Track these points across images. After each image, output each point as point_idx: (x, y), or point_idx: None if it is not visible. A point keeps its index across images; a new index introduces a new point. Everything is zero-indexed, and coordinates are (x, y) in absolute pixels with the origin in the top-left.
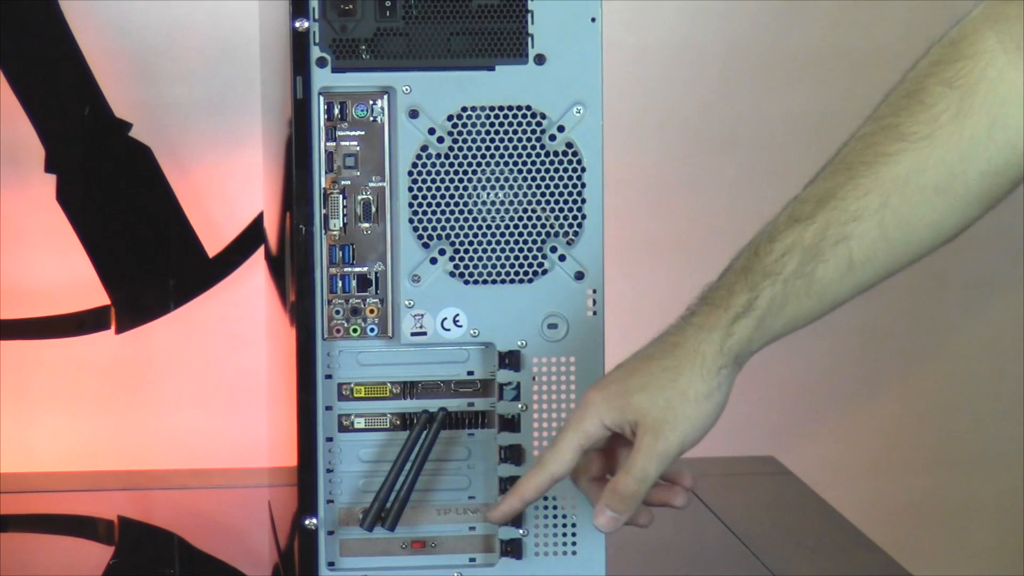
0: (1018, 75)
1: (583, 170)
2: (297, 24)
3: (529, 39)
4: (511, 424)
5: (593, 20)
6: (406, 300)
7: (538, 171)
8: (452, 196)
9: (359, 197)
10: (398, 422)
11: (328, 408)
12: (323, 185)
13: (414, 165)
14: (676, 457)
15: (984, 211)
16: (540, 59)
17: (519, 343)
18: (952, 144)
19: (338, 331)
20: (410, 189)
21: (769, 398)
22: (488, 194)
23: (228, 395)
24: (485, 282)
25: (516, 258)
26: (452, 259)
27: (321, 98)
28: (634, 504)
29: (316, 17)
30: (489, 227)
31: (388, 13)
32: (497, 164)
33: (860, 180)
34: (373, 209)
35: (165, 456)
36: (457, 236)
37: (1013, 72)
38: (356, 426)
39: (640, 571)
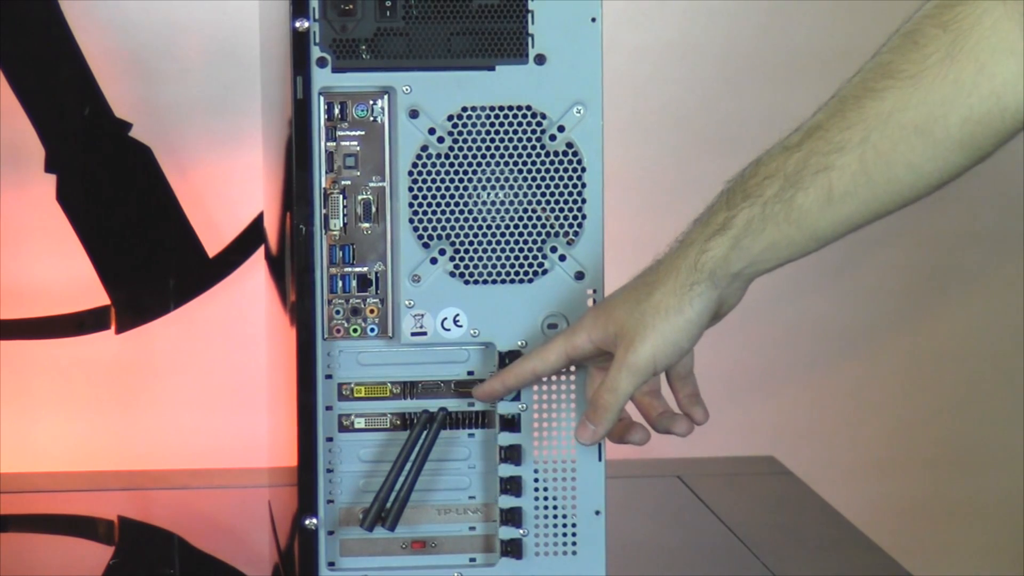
0: (1012, 25)
1: (583, 170)
2: (297, 24)
3: (529, 39)
4: (511, 424)
5: (593, 20)
6: (406, 300)
7: (538, 171)
8: (452, 196)
9: (359, 197)
10: (398, 422)
11: (328, 408)
12: (323, 185)
13: (414, 165)
14: (648, 370)
15: (967, 161)
16: (540, 59)
17: (519, 343)
18: (936, 86)
19: (338, 331)
20: (410, 189)
21: (769, 398)
22: (488, 194)
23: (228, 395)
24: (485, 282)
25: (516, 258)
26: (452, 259)
27: (321, 98)
28: (607, 416)
29: (316, 17)
30: (489, 227)
31: (388, 13)
32: (497, 164)
33: (847, 113)
34: (373, 209)
35: (165, 456)
36: (457, 236)
37: (1008, 22)
38: (356, 426)
39: (640, 571)
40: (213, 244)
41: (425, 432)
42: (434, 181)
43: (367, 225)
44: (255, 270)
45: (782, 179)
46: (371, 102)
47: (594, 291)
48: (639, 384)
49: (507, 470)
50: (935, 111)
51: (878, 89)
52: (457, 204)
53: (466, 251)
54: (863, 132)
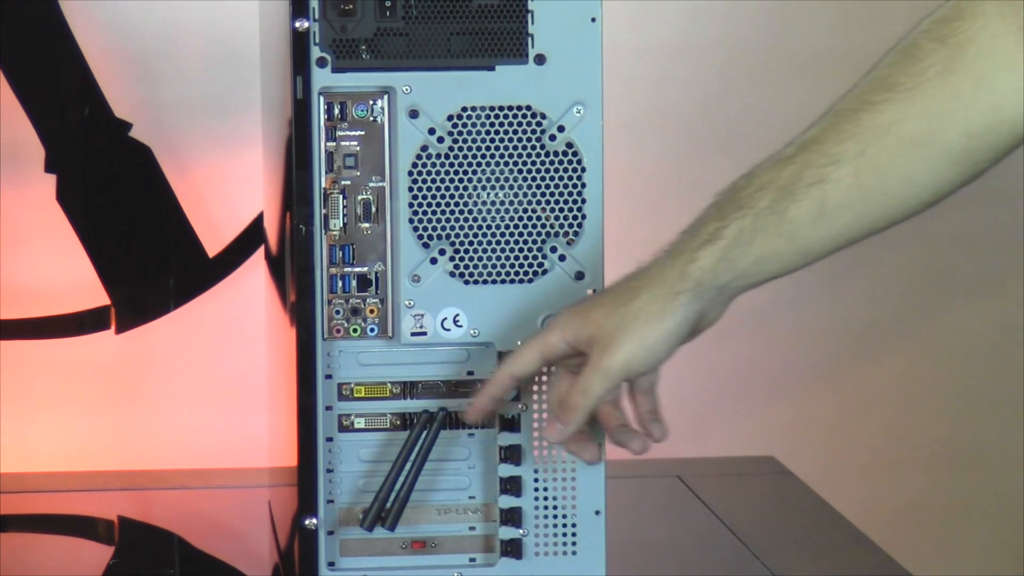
0: (1010, 39)
1: (583, 170)
2: (297, 24)
3: (529, 39)
4: (511, 424)
5: (593, 20)
6: (406, 300)
7: (538, 171)
8: (452, 196)
9: (359, 197)
10: (398, 422)
11: (328, 408)
12: (323, 185)
13: (414, 165)
14: (621, 375)
15: (962, 176)
16: (540, 59)
17: (519, 343)
18: (935, 99)
19: (338, 331)
20: (410, 189)
21: (769, 398)
22: (488, 194)
23: (228, 395)
24: (485, 282)
25: (516, 258)
26: (452, 259)
27: (321, 98)
28: (577, 416)
29: (316, 17)
30: (489, 227)
31: (388, 13)
32: (497, 164)
33: (842, 126)
34: (373, 209)
35: (165, 456)
36: (457, 236)
37: (1006, 36)
38: (356, 426)
39: (640, 571)
40: (213, 244)
41: (425, 432)
42: (434, 181)
43: (367, 225)
44: (255, 270)
45: (775, 191)
46: (371, 102)
47: (594, 291)
48: (611, 388)
49: (507, 470)
50: (934, 124)
51: (875, 102)
52: (457, 204)
53: (466, 251)
54: (860, 144)
